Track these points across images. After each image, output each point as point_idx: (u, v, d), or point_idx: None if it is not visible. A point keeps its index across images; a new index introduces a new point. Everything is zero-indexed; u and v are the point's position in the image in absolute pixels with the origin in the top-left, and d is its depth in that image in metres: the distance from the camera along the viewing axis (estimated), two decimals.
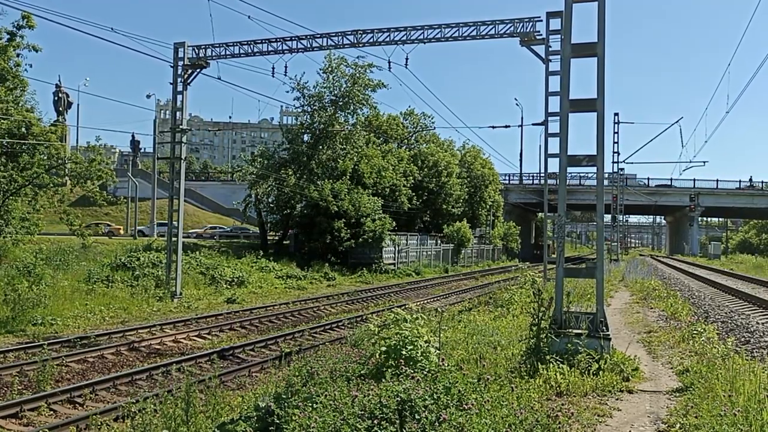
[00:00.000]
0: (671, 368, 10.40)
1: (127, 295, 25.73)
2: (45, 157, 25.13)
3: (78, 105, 74.11)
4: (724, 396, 7.44)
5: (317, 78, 44.50)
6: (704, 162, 74.29)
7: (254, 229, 58.72)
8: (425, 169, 58.48)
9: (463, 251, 61.54)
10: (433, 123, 64.00)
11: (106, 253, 32.18)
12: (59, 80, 66.20)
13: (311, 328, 20.91)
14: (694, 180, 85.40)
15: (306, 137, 46.26)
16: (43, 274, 22.70)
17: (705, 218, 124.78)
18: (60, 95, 67.44)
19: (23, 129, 24.55)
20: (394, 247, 47.67)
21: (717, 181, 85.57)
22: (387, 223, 44.41)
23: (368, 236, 43.09)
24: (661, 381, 9.55)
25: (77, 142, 67.82)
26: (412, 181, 54.16)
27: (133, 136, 77.63)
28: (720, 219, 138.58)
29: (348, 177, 44.52)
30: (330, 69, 43.71)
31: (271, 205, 45.45)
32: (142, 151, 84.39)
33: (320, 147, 44.69)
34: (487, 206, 72.06)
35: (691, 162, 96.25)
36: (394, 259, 47.78)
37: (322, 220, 42.00)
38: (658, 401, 8.35)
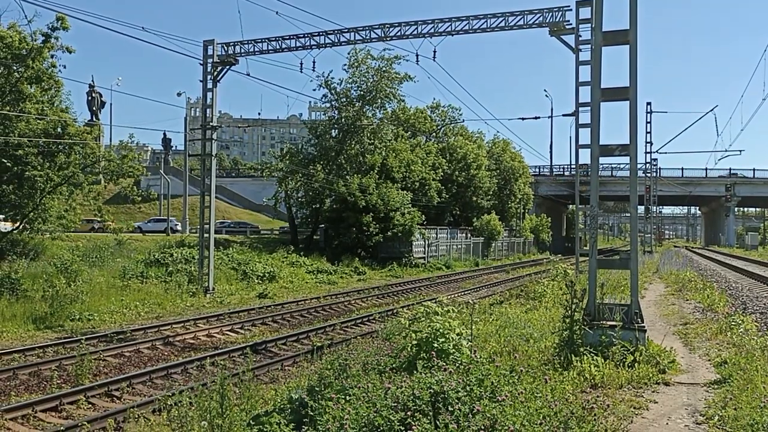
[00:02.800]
0: (708, 360, 10.22)
1: (161, 290, 26.14)
2: (80, 157, 25.54)
3: (111, 104, 75.50)
4: (763, 387, 7.31)
5: (345, 73, 44.37)
6: (740, 151, 73.03)
7: (255, 223, 59.21)
8: (454, 162, 58.18)
9: (493, 244, 61.20)
10: (461, 115, 63.78)
11: (140, 249, 32.71)
12: (92, 80, 67.33)
13: (342, 322, 21.03)
14: (730, 169, 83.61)
15: (333, 132, 46.33)
16: (80, 270, 23.21)
17: (741, 208, 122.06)
18: (93, 95, 68.60)
19: (59, 129, 24.99)
20: (424, 241, 47.57)
21: (754, 170, 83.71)
22: (416, 216, 44.35)
23: (397, 230, 43.11)
24: (699, 373, 9.40)
25: (110, 141, 69.02)
26: (441, 174, 53.92)
27: (164, 134, 78.60)
28: (757, 209, 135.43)
29: (376, 171, 44.48)
30: (356, 63, 43.69)
31: (300, 200, 45.70)
32: (174, 148, 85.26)
33: (348, 142, 44.76)
34: (517, 199, 71.54)
35: (726, 151, 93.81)
36: (424, 253, 47.69)
37: (351, 215, 42.07)
38: (695, 393, 8.22)
